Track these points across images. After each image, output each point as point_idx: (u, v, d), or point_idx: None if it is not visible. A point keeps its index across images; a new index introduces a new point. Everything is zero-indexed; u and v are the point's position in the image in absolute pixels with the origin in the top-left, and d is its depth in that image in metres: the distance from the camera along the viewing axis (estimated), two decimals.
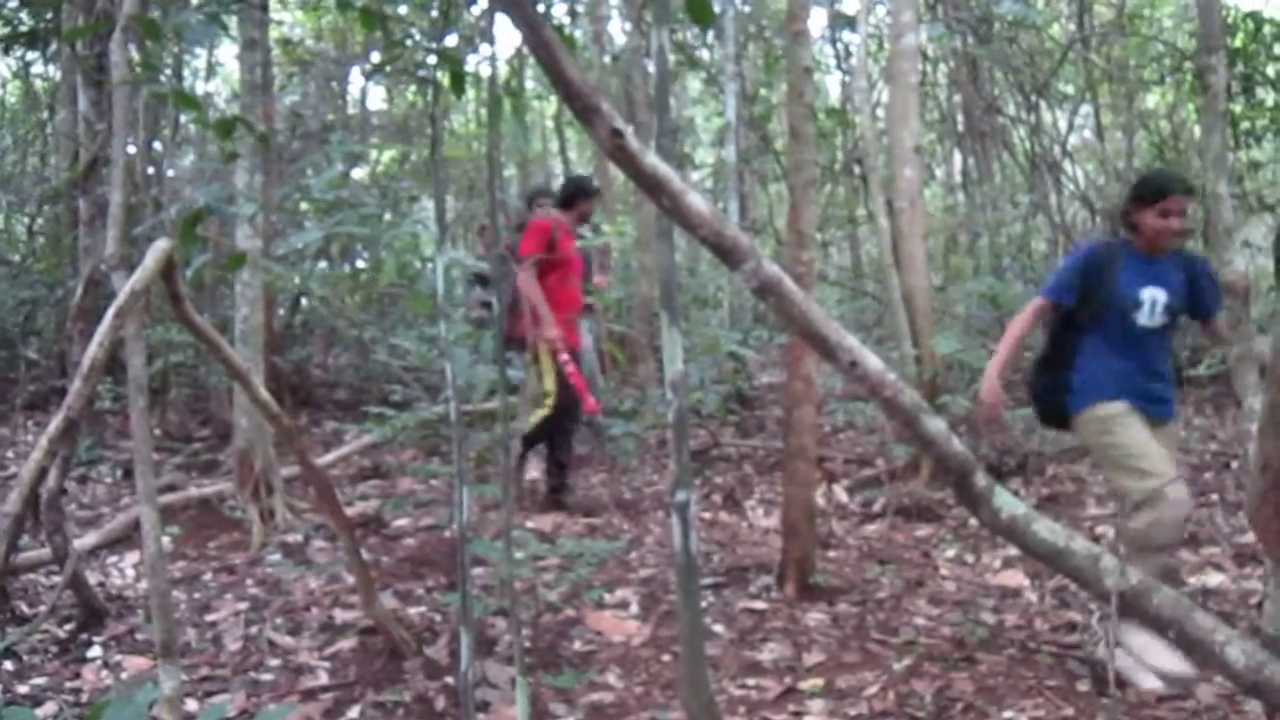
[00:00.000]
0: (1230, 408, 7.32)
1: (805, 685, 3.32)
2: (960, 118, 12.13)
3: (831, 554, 4.80)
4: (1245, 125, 8.89)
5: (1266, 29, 8.40)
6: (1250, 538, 4.55)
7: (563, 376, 5.52)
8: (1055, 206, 10.46)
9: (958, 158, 13.60)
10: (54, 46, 9.00)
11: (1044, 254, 11.36)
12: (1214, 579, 4.21)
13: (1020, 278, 10.62)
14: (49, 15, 8.56)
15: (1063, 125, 11.78)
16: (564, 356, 5.55)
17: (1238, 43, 8.44)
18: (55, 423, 2.63)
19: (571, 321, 5.76)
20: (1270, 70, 8.82)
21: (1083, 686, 3.22)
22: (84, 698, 3.34)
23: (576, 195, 5.91)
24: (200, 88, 10.36)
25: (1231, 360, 2.18)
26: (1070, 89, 11.86)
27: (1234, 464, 5.82)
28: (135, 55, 5.64)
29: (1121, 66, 10.86)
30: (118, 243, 3.16)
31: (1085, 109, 12.09)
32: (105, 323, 2.66)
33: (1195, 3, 3.60)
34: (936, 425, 1.93)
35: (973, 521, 5.12)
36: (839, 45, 12.37)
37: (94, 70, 6.89)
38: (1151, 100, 12.31)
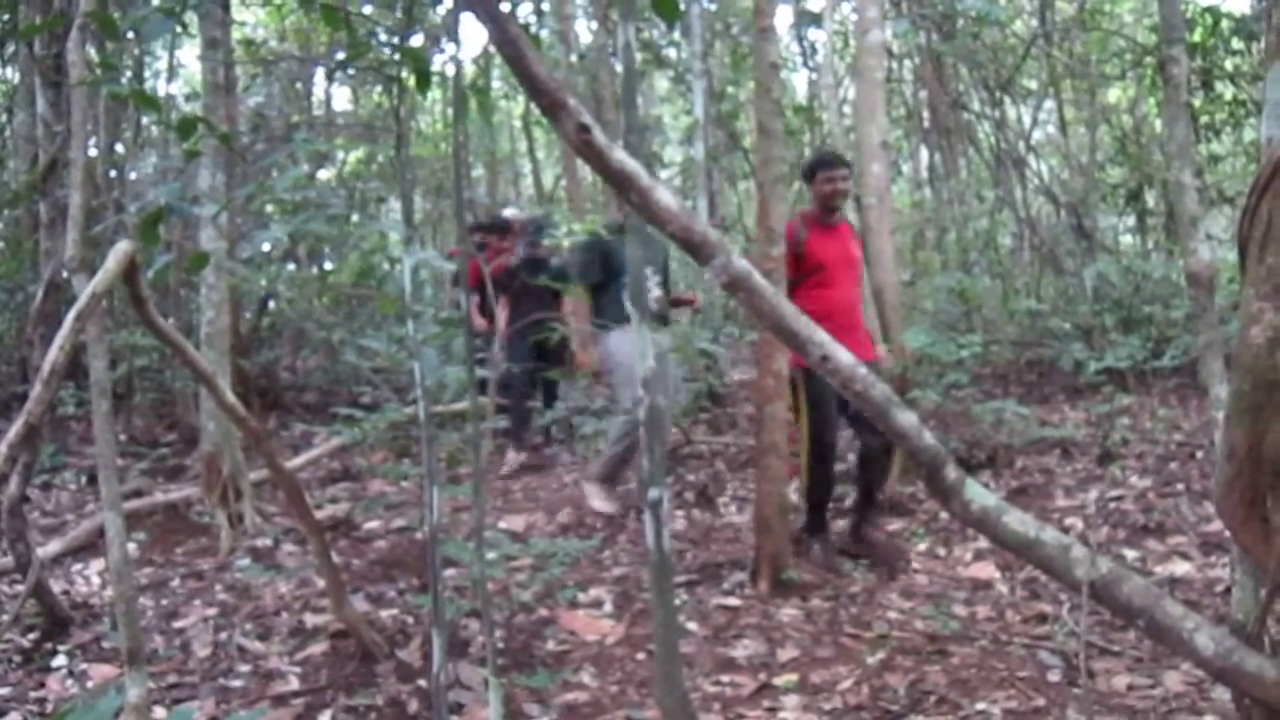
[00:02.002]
0: (1194, 398, 7.41)
1: (780, 681, 3.32)
2: (926, 114, 12.20)
3: (804, 550, 4.80)
4: (1205, 119, 9.02)
5: (1224, 24, 8.53)
6: (1215, 526, 4.61)
7: (814, 413, 4.55)
8: (1020, 201, 10.55)
9: (924, 154, 13.68)
10: (11, 48, 8.86)
11: (1010, 248, 11.47)
12: (1180, 568, 4.25)
13: (987, 272, 10.73)
14: (5, 16, 8.42)
15: (1026, 120, 11.90)
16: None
17: (1196, 37, 8.55)
18: (15, 428, 2.57)
19: (853, 332, 4.63)
20: (1228, 64, 8.95)
21: (1054, 677, 3.25)
22: (49, 708, 3.28)
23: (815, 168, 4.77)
24: (162, 89, 10.21)
25: (1198, 349, 2.21)
26: (1034, 84, 11.98)
27: (1199, 454, 5.89)
28: (94, 56, 5.58)
29: (1083, 62, 10.99)
30: (78, 245, 3.12)
31: (1048, 104, 12.22)
32: (65, 326, 2.61)
33: None
34: (908, 418, 1.94)
35: (944, 515, 5.15)
36: (805, 42, 12.40)
37: (52, 71, 6.79)
38: (1113, 95, 12.46)
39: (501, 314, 7.23)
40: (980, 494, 1.99)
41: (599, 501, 5.54)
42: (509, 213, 8.61)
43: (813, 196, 4.78)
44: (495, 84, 13.87)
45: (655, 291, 5.57)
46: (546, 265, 7.17)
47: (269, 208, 9.54)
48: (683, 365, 8.12)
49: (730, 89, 12.41)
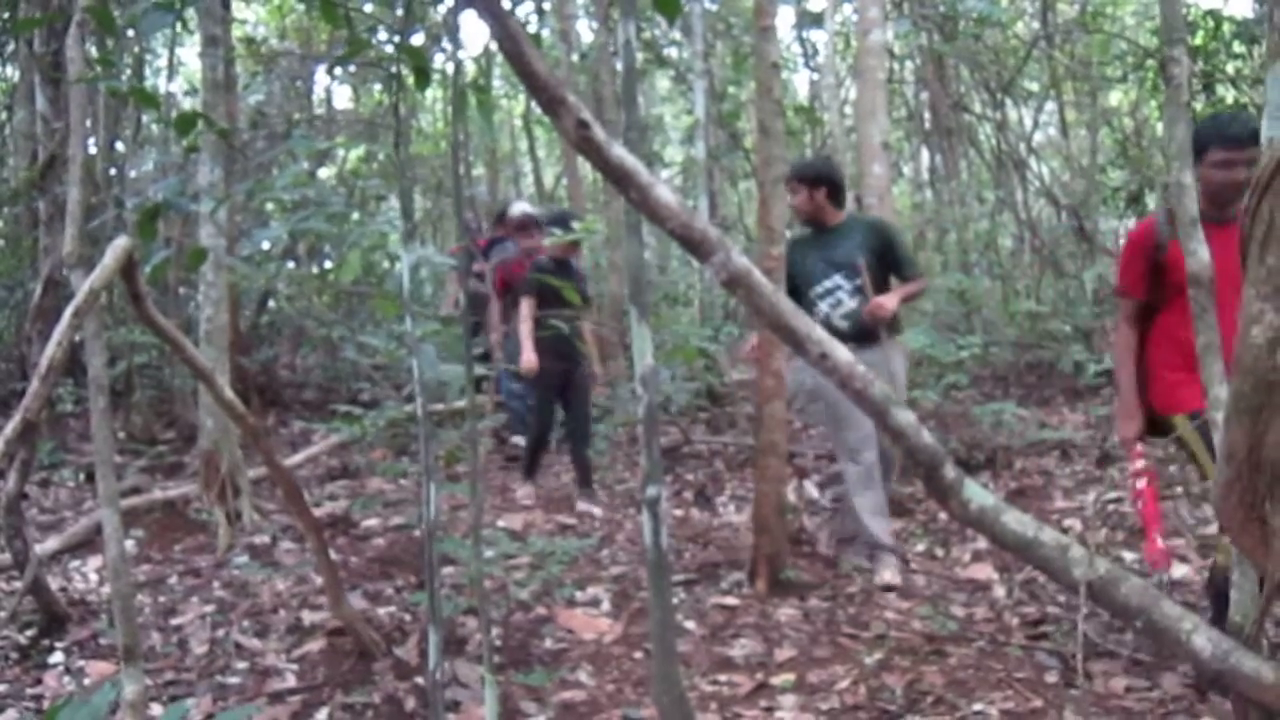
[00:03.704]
0: None
1: (777, 680, 3.32)
2: (927, 115, 12.21)
3: (803, 549, 4.81)
4: None
5: (1226, 27, 8.52)
6: (1213, 529, 4.61)
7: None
8: (1021, 203, 10.56)
9: (925, 155, 13.69)
10: (10, 45, 8.85)
11: (1010, 250, 11.47)
12: (1178, 570, 4.25)
13: (987, 273, 10.73)
14: (4, 14, 8.42)
15: (1028, 122, 11.90)
16: (1137, 466, 3.31)
17: (1198, 41, 8.54)
18: (13, 425, 2.57)
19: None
20: (1230, 68, 8.94)
21: (1051, 678, 3.24)
22: (45, 704, 3.28)
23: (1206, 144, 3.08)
24: (162, 87, 10.22)
25: (1197, 351, 2.20)
26: (1035, 86, 11.98)
27: None
28: (93, 52, 5.58)
29: (1084, 64, 10.99)
30: (76, 241, 3.11)
31: (1049, 106, 12.22)
32: (63, 322, 2.61)
33: None
34: (906, 417, 1.93)
35: (942, 516, 5.15)
36: (806, 43, 12.40)
37: (51, 68, 6.79)
38: (1114, 98, 12.46)
39: (525, 324, 5.96)
40: (978, 494, 1.98)
41: (890, 574, 4.31)
42: (517, 208, 8.39)
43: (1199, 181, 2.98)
44: (496, 83, 13.86)
45: (847, 303, 4.49)
46: (571, 268, 6.24)
47: (268, 205, 9.54)
48: (681, 365, 8.12)
49: (731, 89, 12.41)
